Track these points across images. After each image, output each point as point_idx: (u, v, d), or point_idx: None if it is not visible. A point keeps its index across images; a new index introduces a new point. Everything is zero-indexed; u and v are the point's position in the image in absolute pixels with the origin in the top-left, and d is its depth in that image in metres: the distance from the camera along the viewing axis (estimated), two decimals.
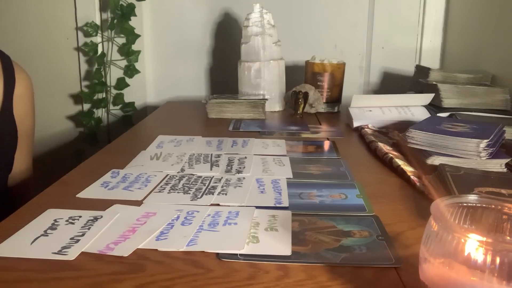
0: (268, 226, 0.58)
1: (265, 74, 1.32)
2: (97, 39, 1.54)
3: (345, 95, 1.37)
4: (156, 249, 0.52)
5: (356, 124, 1.12)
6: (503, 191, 0.66)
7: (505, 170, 0.78)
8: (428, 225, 0.41)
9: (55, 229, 0.56)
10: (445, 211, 0.43)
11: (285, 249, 0.52)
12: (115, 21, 1.49)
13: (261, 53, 1.31)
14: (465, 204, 0.45)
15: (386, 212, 0.63)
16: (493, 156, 0.79)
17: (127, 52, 1.53)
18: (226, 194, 0.68)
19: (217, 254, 0.51)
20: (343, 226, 0.58)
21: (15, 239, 0.54)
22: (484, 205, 0.44)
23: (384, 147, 0.89)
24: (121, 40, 1.54)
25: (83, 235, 0.54)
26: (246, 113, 1.25)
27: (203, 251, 0.51)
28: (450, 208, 0.44)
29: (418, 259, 0.42)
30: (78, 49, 1.56)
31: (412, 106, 1.18)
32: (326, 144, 0.99)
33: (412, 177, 0.75)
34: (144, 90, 1.62)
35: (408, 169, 0.78)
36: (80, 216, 0.59)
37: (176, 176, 0.77)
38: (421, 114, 1.13)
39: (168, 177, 0.76)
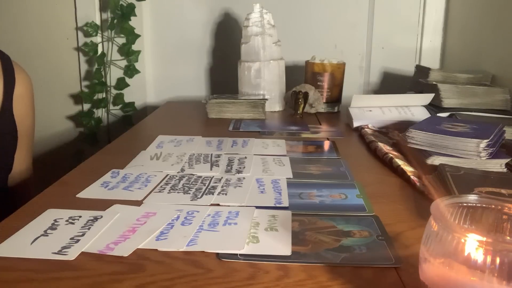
0: (268, 226, 0.58)
1: (265, 74, 1.32)
2: (97, 39, 1.54)
3: (345, 95, 1.37)
4: (156, 249, 0.52)
5: (356, 124, 1.12)
6: (503, 191, 0.66)
7: (505, 170, 0.78)
8: (428, 225, 0.41)
9: (55, 229, 0.56)
10: (445, 211, 0.43)
11: (285, 249, 0.52)
12: (115, 21, 1.49)
13: (261, 53, 1.31)
14: (465, 204, 0.45)
15: (386, 212, 0.63)
16: (493, 156, 0.79)
17: (127, 52, 1.53)
18: (226, 194, 0.68)
19: (217, 254, 0.51)
20: (343, 226, 0.58)
21: (15, 239, 0.54)
22: (484, 205, 0.44)
23: (384, 147, 0.89)
24: (121, 40, 1.54)
25: (83, 235, 0.54)
26: (246, 113, 1.25)
27: (203, 251, 0.51)
28: (450, 208, 0.44)
29: (418, 259, 0.42)
30: (78, 49, 1.56)
31: (412, 106, 1.18)
32: (326, 144, 0.99)
33: (412, 177, 0.75)
34: (144, 90, 1.62)
35: (408, 169, 0.78)
36: (80, 216, 0.59)
37: (176, 176, 0.77)
38: (421, 114, 1.13)
39: (168, 177, 0.76)
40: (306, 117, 1.27)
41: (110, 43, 1.54)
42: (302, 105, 1.26)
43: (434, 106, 1.16)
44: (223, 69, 1.62)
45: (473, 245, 0.37)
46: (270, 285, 0.45)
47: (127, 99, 1.58)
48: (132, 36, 1.52)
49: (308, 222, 0.59)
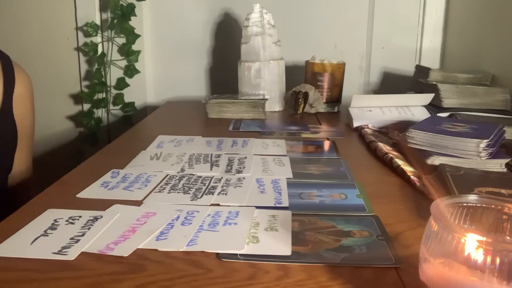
0: (268, 226, 0.58)
1: (265, 74, 1.32)
2: (97, 39, 1.54)
3: (345, 95, 1.37)
4: (156, 249, 0.52)
5: (356, 124, 1.12)
6: (503, 191, 0.66)
7: (505, 170, 0.78)
8: (428, 225, 0.41)
9: (55, 229, 0.56)
10: (445, 211, 0.43)
11: (285, 249, 0.52)
12: (115, 21, 1.49)
13: (261, 53, 1.31)
14: (465, 204, 0.45)
15: (386, 212, 0.63)
16: (493, 156, 0.79)
17: (127, 52, 1.53)
18: (226, 194, 0.68)
19: (217, 254, 0.51)
20: (343, 226, 0.58)
21: (15, 239, 0.54)
22: (484, 205, 0.44)
23: (384, 147, 0.89)
24: (121, 40, 1.54)
25: (83, 235, 0.54)
26: (246, 113, 1.25)
27: (203, 251, 0.51)
28: (450, 208, 0.44)
29: (418, 259, 0.42)
30: (78, 49, 1.56)
31: (412, 106, 1.18)
32: (326, 144, 0.99)
33: (412, 177, 0.75)
34: (144, 90, 1.62)
35: (408, 169, 0.78)
36: (80, 216, 0.59)
37: (176, 176, 0.77)
38: (421, 114, 1.13)
39: (168, 177, 0.76)
40: (306, 117, 1.27)
41: (110, 43, 1.54)
42: (302, 105, 1.26)
43: (434, 106, 1.16)
44: (223, 69, 1.62)
45: (473, 245, 0.37)
46: (270, 285, 0.45)
47: (127, 99, 1.58)
48: (132, 36, 1.52)
49: (308, 222, 0.59)
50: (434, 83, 1.18)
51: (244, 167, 0.81)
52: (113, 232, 0.55)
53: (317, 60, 1.34)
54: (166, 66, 1.63)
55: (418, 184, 0.73)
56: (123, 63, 1.56)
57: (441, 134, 0.82)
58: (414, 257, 0.46)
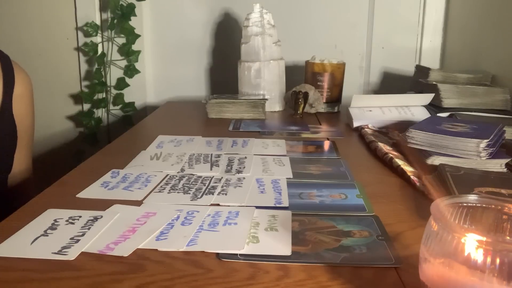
0: (268, 226, 0.58)
1: (265, 74, 1.32)
2: (97, 39, 1.54)
3: (345, 95, 1.37)
4: (156, 249, 0.52)
5: (356, 124, 1.12)
6: (503, 191, 0.66)
7: (505, 170, 0.78)
8: (428, 225, 0.41)
9: (55, 229, 0.56)
10: (445, 211, 0.43)
11: (285, 249, 0.52)
12: (115, 21, 1.49)
13: (261, 53, 1.31)
14: (465, 204, 0.45)
15: (386, 212, 0.63)
16: (493, 156, 0.79)
17: (127, 52, 1.53)
18: (226, 194, 0.68)
19: (217, 254, 0.51)
20: (343, 226, 0.58)
21: (15, 239, 0.54)
22: (484, 205, 0.44)
23: (384, 147, 0.89)
24: (121, 40, 1.54)
25: (83, 235, 0.54)
26: (246, 113, 1.25)
27: (203, 251, 0.51)
28: (450, 208, 0.44)
29: (418, 259, 0.42)
30: (78, 49, 1.56)
31: (412, 106, 1.18)
32: (326, 144, 0.99)
33: (412, 177, 0.75)
34: (144, 90, 1.62)
35: (408, 169, 0.78)
36: (80, 216, 0.59)
37: (176, 176, 0.77)
38: (421, 114, 1.13)
39: (168, 177, 0.76)
40: (306, 117, 1.27)
41: (110, 43, 1.54)
42: (302, 105, 1.26)
43: (434, 106, 1.16)
44: (223, 69, 1.62)
45: (473, 245, 0.37)
46: (270, 285, 0.45)
47: (127, 99, 1.58)
48: (132, 36, 1.52)
49: (308, 222, 0.59)
50: (434, 83, 1.18)
51: (244, 167, 0.81)
52: (113, 232, 0.55)
53: (317, 60, 1.34)
54: (166, 66, 1.63)
55: (418, 184, 0.73)
56: (123, 63, 1.56)
57: (441, 134, 0.82)
58: (414, 257, 0.46)
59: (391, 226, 0.58)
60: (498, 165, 0.78)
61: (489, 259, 0.36)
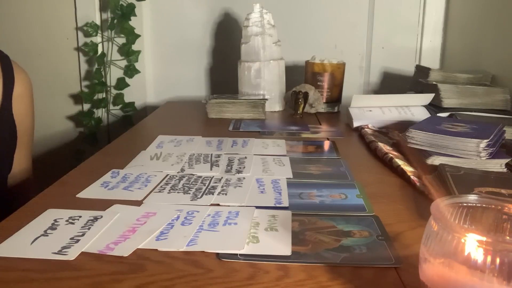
0: (268, 226, 0.58)
1: (265, 74, 1.32)
2: (97, 39, 1.54)
3: (345, 95, 1.37)
4: (156, 249, 0.52)
5: (356, 124, 1.12)
6: (503, 191, 0.66)
7: (505, 170, 0.78)
8: (428, 225, 0.41)
9: (55, 229, 0.56)
10: (445, 211, 0.43)
11: (285, 249, 0.52)
12: (115, 21, 1.49)
13: (261, 53, 1.31)
14: (465, 204, 0.45)
15: (386, 212, 0.63)
16: (493, 156, 0.79)
17: (127, 52, 1.53)
18: (226, 194, 0.68)
19: (217, 254, 0.51)
20: (343, 226, 0.58)
21: (15, 239, 0.54)
22: (484, 205, 0.44)
23: (384, 147, 0.89)
24: (121, 40, 1.54)
25: (83, 235, 0.54)
26: (246, 113, 1.25)
27: (203, 251, 0.51)
28: (450, 208, 0.44)
29: (418, 259, 0.42)
30: (78, 49, 1.56)
31: (412, 106, 1.18)
32: (326, 144, 0.99)
33: (412, 177, 0.75)
34: (144, 90, 1.62)
35: (408, 169, 0.78)
36: (80, 216, 0.59)
37: (176, 176, 0.77)
38: (421, 114, 1.13)
39: (168, 177, 0.76)
40: (306, 117, 1.27)
41: (110, 43, 1.54)
42: (302, 105, 1.26)
43: (434, 106, 1.16)
44: (223, 69, 1.62)
45: (473, 245, 0.37)
46: (270, 285, 0.45)
47: (127, 99, 1.58)
48: (132, 36, 1.52)
49: (308, 222, 0.59)
50: (434, 83, 1.18)
51: (244, 167, 0.81)
52: (113, 232, 0.55)
53: (317, 60, 1.34)
54: (166, 66, 1.63)
55: (418, 184, 0.73)
56: (123, 63, 1.56)
57: (441, 134, 0.82)
58: (414, 257, 0.46)
59: (391, 226, 0.58)
60: (498, 165, 0.78)
61: (489, 259, 0.36)
